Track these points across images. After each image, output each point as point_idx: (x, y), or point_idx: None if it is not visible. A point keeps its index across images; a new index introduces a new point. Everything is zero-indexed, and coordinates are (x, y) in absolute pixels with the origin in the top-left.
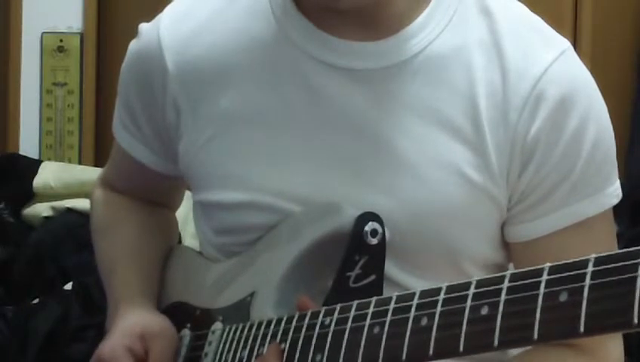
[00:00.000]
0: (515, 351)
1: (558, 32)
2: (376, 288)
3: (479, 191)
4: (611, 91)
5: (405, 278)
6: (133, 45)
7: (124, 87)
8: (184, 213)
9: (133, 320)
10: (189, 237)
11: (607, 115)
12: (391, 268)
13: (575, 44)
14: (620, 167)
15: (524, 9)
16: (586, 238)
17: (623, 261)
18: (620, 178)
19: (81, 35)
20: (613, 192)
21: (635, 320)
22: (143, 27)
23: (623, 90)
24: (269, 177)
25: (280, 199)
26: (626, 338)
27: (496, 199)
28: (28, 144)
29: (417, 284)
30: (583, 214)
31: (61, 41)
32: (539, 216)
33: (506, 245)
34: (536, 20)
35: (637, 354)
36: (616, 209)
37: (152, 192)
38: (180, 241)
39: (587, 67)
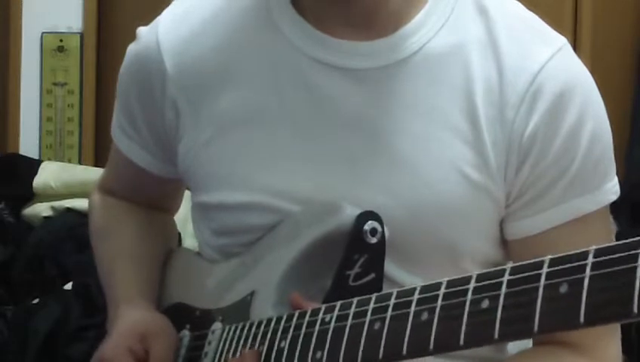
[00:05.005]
0: (513, 351)
1: (558, 31)
2: (375, 286)
3: (478, 189)
4: (611, 91)
5: (404, 277)
6: (131, 48)
7: (122, 90)
8: (184, 213)
9: (133, 321)
10: (189, 237)
11: (605, 112)
12: (390, 267)
13: (575, 44)
14: (620, 167)
15: (520, 7)
16: (584, 235)
17: (623, 252)
18: (619, 178)
19: (81, 35)
20: (612, 189)
21: (635, 310)
22: (142, 30)
23: (623, 90)
24: (268, 178)
25: (280, 199)
26: (626, 338)
27: (495, 196)
28: (28, 144)
29: (416, 283)
30: (581, 210)
31: (61, 41)
32: (537, 212)
33: (504, 243)
34: (533, 18)
35: (637, 354)
36: (615, 209)
37: (151, 196)
38: (180, 242)
39: (587, 67)
